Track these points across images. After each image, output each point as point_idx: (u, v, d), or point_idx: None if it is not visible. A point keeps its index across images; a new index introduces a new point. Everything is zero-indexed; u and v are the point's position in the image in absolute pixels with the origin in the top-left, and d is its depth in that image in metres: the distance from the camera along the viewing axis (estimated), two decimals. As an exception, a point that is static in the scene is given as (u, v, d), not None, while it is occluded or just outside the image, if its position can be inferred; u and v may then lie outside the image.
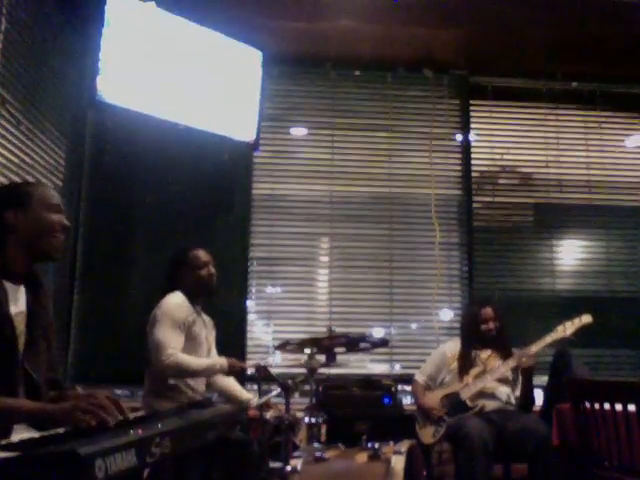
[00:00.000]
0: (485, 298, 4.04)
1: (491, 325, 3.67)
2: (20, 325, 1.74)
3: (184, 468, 2.15)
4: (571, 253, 4.85)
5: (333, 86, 4.83)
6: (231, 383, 3.28)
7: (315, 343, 2.70)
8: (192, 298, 3.11)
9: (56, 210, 1.86)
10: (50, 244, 1.83)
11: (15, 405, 1.58)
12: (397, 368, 4.56)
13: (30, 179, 3.49)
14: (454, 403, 3.49)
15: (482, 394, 3.51)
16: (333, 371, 4.04)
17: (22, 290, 1.80)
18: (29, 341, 1.75)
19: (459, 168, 4.86)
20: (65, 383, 3.70)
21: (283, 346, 2.79)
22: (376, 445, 2.44)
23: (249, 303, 4.51)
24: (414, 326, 4.66)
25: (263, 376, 2.61)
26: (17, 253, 1.79)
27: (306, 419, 2.66)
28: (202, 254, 3.20)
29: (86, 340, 4.19)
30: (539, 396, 3.76)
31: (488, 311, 3.69)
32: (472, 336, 3.69)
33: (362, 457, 2.41)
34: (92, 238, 4.31)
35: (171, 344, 2.91)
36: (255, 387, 3.42)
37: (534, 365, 3.47)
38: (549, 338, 3.49)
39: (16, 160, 3.32)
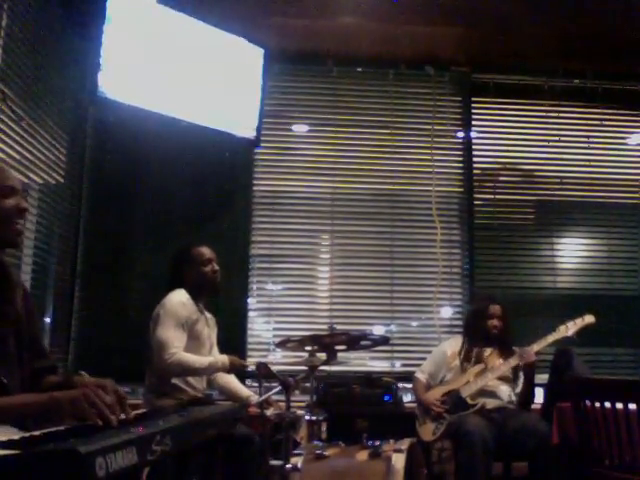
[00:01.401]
0: (493, 295, 4.03)
1: (496, 322, 3.66)
2: None
3: (185, 466, 2.15)
4: (572, 251, 4.84)
5: (334, 83, 4.82)
6: (232, 380, 3.28)
7: (316, 340, 2.69)
8: (195, 296, 3.11)
9: (11, 194, 1.71)
10: (7, 232, 1.70)
11: (16, 402, 1.51)
12: (398, 366, 4.56)
13: (31, 175, 3.49)
14: (455, 401, 3.49)
15: (483, 392, 3.51)
16: (334, 369, 4.04)
17: None
18: None
19: (460, 165, 4.85)
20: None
21: (284, 343, 2.79)
22: (377, 443, 2.44)
23: (250, 300, 4.50)
24: (415, 324, 4.66)
25: (264, 373, 2.61)
26: None
27: (307, 417, 2.66)
28: (206, 251, 3.19)
29: (87, 337, 4.19)
30: (539, 394, 3.76)
31: (497, 308, 3.69)
32: (477, 331, 3.69)
33: (362, 455, 2.41)
34: (93, 234, 4.31)
35: (174, 343, 2.91)
36: (256, 384, 3.42)
37: (535, 362, 3.47)
38: (551, 337, 3.49)
39: (17, 156, 3.31)
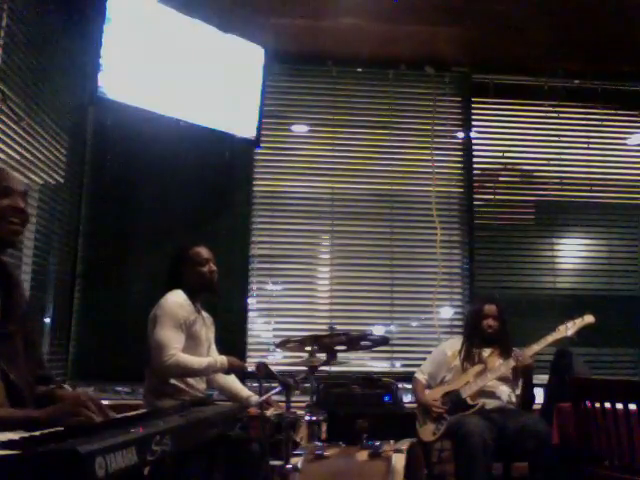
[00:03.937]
0: (490, 296, 4.03)
1: (491, 322, 3.66)
2: None
3: (185, 466, 2.15)
4: (572, 251, 4.84)
5: (334, 83, 4.82)
6: (232, 381, 3.28)
7: (316, 341, 2.69)
8: (193, 296, 3.11)
9: (5, 194, 1.71)
10: (1, 232, 1.70)
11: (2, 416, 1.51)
12: (398, 366, 4.56)
13: (31, 176, 3.49)
14: (454, 401, 3.49)
15: (483, 393, 3.51)
16: (334, 369, 4.04)
17: None
18: (2, 339, 1.66)
19: (460, 166, 4.86)
20: (64, 380, 3.71)
21: (284, 344, 2.79)
22: (377, 443, 2.44)
23: (250, 300, 4.50)
24: (415, 324, 4.66)
25: (264, 374, 2.60)
26: None
27: (307, 417, 2.66)
28: (203, 251, 3.20)
29: (87, 337, 4.19)
30: (539, 395, 3.76)
31: (492, 308, 3.69)
32: (474, 332, 3.69)
33: (363, 455, 2.40)
34: (93, 235, 4.31)
35: (172, 344, 2.91)
36: (256, 385, 3.42)
37: (532, 364, 3.47)
38: (550, 337, 3.50)
39: (17, 156, 3.31)
